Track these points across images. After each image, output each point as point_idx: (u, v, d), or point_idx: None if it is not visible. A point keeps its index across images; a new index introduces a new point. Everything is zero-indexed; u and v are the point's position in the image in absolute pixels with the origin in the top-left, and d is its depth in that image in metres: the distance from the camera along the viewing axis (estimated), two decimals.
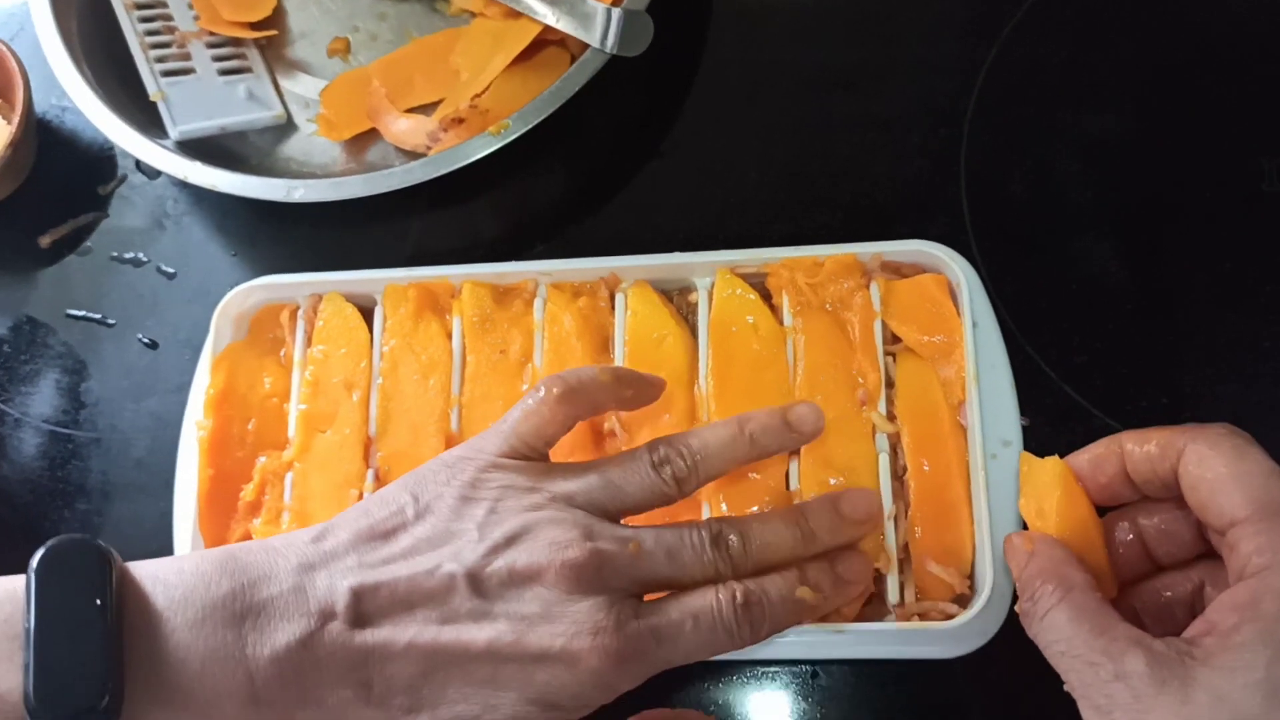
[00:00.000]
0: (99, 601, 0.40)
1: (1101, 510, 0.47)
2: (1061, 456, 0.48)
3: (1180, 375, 0.57)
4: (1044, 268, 0.60)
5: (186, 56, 0.71)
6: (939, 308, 0.55)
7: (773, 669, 0.54)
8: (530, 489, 0.45)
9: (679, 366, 0.56)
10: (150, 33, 0.71)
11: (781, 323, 0.56)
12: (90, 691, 0.39)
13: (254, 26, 0.72)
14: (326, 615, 0.42)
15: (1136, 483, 0.43)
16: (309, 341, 0.59)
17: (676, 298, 0.59)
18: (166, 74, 0.70)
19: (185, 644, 0.41)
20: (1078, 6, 0.65)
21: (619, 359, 0.56)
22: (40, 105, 0.72)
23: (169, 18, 0.72)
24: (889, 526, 0.51)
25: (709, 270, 0.57)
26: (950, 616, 0.50)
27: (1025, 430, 0.53)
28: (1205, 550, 0.44)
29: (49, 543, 0.42)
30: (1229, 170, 0.60)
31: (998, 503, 0.51)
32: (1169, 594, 0.44)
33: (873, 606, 0.51)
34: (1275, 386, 0.56)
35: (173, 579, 0.42)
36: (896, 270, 0.57)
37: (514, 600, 0.43)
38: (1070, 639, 0.39)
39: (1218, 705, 0.34)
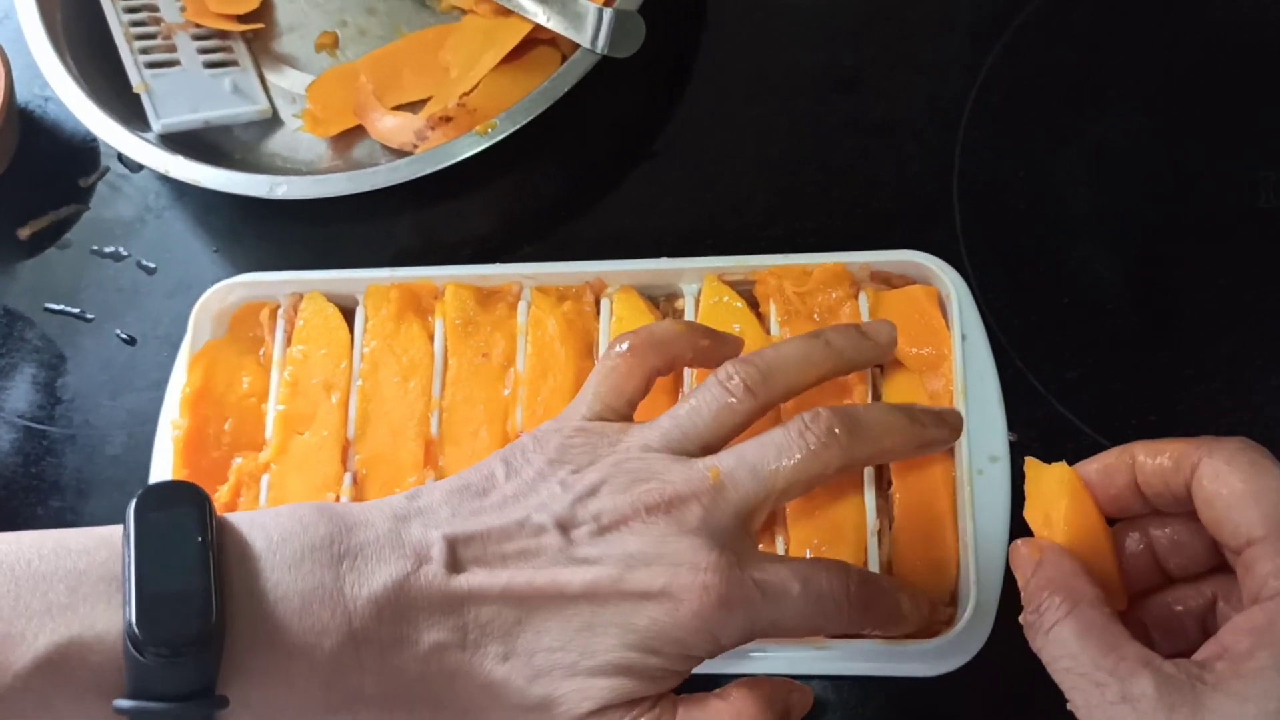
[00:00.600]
0: (200, 538, 0.39)
1: (1109, 522, 0.46)
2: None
3: (1173, 392, 0.56)
4: (1036, 280, 0.59)
5: (171, 48, 0.70)
6: (928, 319, 0.54)
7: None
8: (611, 446, 0.45)
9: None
10: (135, 23, 0.70)
11: (768, 331, 0.55)
12: (192, 623, 0.38)
13: (241, 19, 0.71)
14: (422, 559, 0.42)
15: (1147, 495, 0.42)
16: (289, 341, 0.58)
17: (663, 304, 0.58)
18: (151, 66, 0.69)
19: (285, 582, 0.40)
20: (1075, 16, 0.65)
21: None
22: (22, 95, 0.71)
23: (154, 8, 0.71)
24: (872, 542, 0.50)
25: (696, 276, 0.57)
26: (934, 633, 0.49)
27: (1013, 445, 0.53)
28: (1218, 563, 0.43)
29: (145, 486, 0.41)
30: (1226, 185, 0.60)
31: (983, 519, 0.50)
32: (1180, 607, 0.43)
33: None
34: (1270, 404, 0.56)
35: (270, 522, 0.42)
36: (886, 280, 0.56)
37: (607, 545, 0.42)
38: (1076, 655, 0.37)
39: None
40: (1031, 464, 0.48)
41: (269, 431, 0.57)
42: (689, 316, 0.56)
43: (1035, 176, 0.61)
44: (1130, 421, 0.56)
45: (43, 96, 0.72)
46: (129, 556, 0.38)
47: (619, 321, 0.56)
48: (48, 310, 0.67)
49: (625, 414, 0.48)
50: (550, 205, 0.66)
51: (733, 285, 0.56)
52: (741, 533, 0.43)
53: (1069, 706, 0.38)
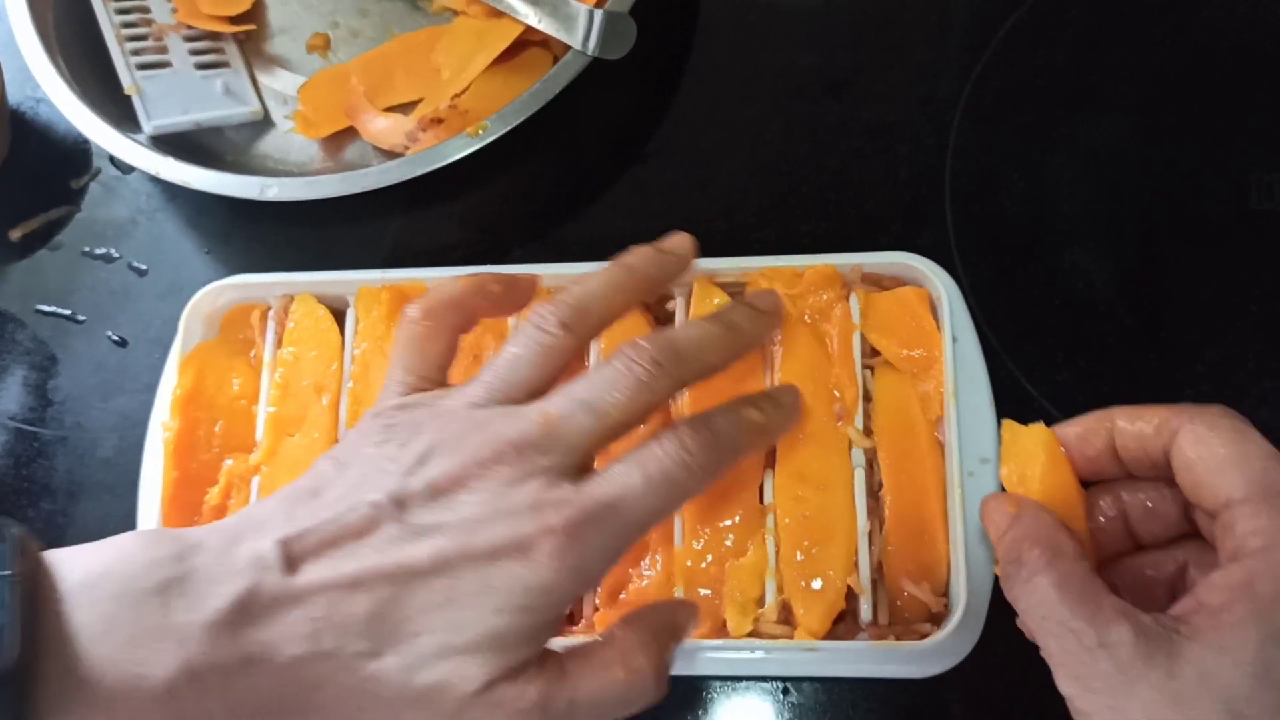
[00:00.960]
0: (5, 572, 0.37)
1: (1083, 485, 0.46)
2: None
3: (1164, 395, 0.56)
4: (1027, 282, 0.59)
5: (163, 50, 0.70)
6: (919, 321, 0.54)
7: (744, 684, 0.54)
8: (434, 414, 0.43)
9: None
10: (126, 25, 0.70)
11: None
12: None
13: (233, 21, 0.71)
14: (258, 569, 0.39)
15: (1124, 460, 0.42)
16: (279, 343, 0.58)
17: (654, 305, 0.58)
18: (142, 67, 0.69)
19: (104, 618, 0.38)
20: (1066, 19, 0.65)
21: (594, 366, 0.55)
22: (14, 96, 0.71)
23: (146, 10, 0.71)
24: (863, 544, 0.50)
25: (688, 279, 0.56)
26: (924, 635, 0.49)
27: None
28: (1189, 530, 0.43)
29: None
30: (1217, 187, 0.60)
31: (974, 521, 0.50)
32: (1150, 572, 0.43)
33: (846, 624, 0.51)
34: (1260, 407, 0.56)
35: (92, 554, 0.40)
36: (877, 282, 0.56)
37: (446, 510, 0.40)
38: (1054, 605, 0.37)
39: (1204, 682, 0.33)
40: (1009, 425, 0.48)
41: (259, 433, 0.57)
42: (679, 318, 0.56)
43: (1027, 179, 0.61)
44: None
45: (34, 98, 0.72)
46: None
47: None
48: (39, 312, 0.67)
49: (438, 379, 0.46)
50: (542, 207, 0.66)
51: (724, 287, 0.56)
52: (579, 466, 0.42)
53: (1043, 654, 0.38)
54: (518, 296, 0.50)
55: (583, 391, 0.42)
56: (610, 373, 0.43)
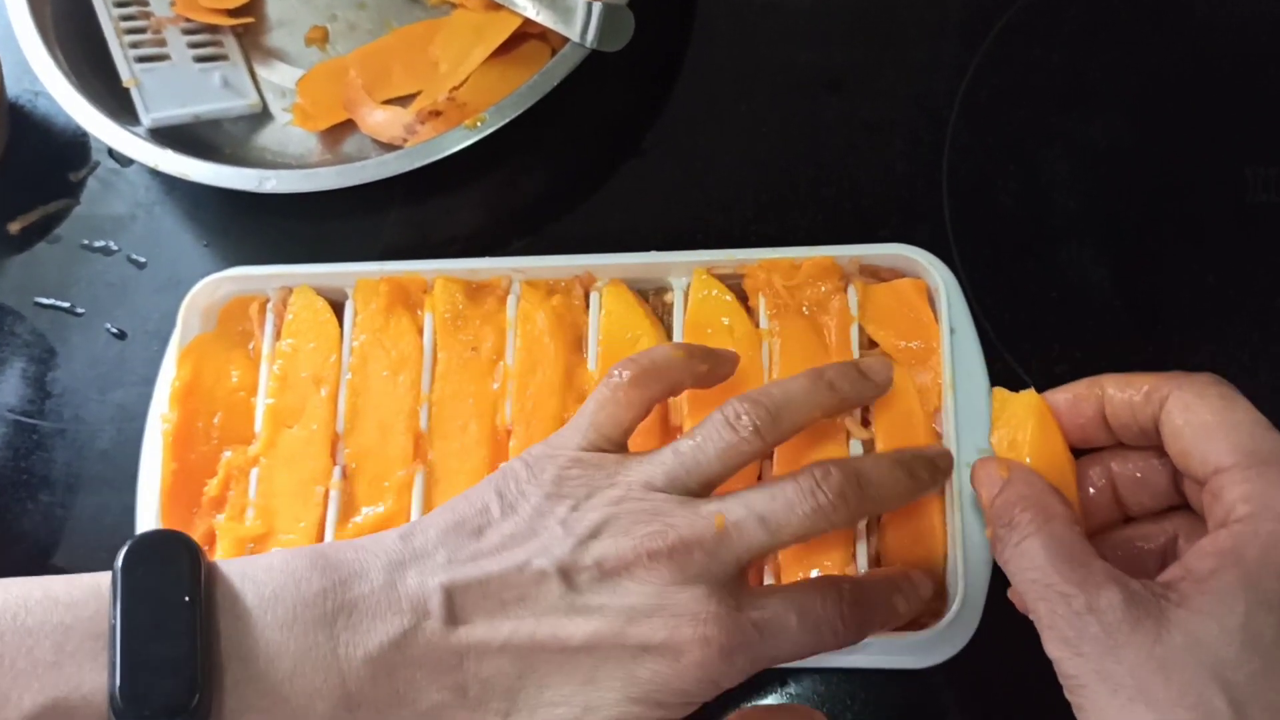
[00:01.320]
0: (187, 598, 0.39)
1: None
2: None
3: None
4: (1025, 275, 0.59)
5: (161, 43, 0.70)
6: (917, 313, 0.54)
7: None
8: (611, 482, 0.44)
9: None
10: (125, 18, 0.70)
11: (757, 325, 0.55)
12: (180, 690, 0.37)
13: (231, 14, 0.71)
14: (420, 613, 0.41)
15: (1113, 427, 0.42)
16: (278, 335, 0.58)
17: (652, 298, 0.58)
18: (140, 60, 0.69)
19: (276, 643, 0.39)
20: (1062, 16, 0.65)
21: (592, 359, 0.56)
22: (13, 89, 0.71)
23: (144, 2, 0.71)
24: (860, 535, 0.50)
25: (685, 270, 0.57)
26: (921, 626, 0.49)
27: None
28: (1178, 502, 0.43)
29: (134, 537, 0.40)
30: (1212, 181, 0.60)
31: (971, 512, 0.50)
32: (1141, 544, 0.43)
33: None
34: (1256, 400, 0.55)
35: (262, 576, 0.41)
36: (875, 274, 0.56)
37: (609, 594, 0.41)
38: (1044, 568, 0.38)
39: (1192, 648, 0.34)
40: (999, 392, 0.48)
41: (258, 425, 0.57)
42: (678, 310, 0.56)
43: (1024, 174, 0.62)
44: None
45: (33, 91, 0.72)
46: (115, 619, 0.38)
47: (608, 315, 0.56)
48: (38, 305, 0.67)
49: (622, 444, 0.47)
50: (539, 200, 0.66)
51: (722, 279, 0.56)
52: (740, 578, 0.43)
53: (1032, 617, 0.38)
54: (721, 372, 0.50)
55: (762, 504, 0.43)
56: (794, 492, 0.43)
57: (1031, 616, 0.38)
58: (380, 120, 0.66)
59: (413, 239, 0.65)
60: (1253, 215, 0.59)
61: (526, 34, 0.65)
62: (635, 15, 0.61)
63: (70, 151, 0.71)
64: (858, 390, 0.49)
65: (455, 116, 0.63)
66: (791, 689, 0.53)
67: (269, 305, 0.59)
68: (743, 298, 0.56)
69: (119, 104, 0.67)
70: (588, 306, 0.57)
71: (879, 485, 0.45)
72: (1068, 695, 0.38)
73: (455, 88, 0.64)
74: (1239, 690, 0.33)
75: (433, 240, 0.65)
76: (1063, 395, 0.43)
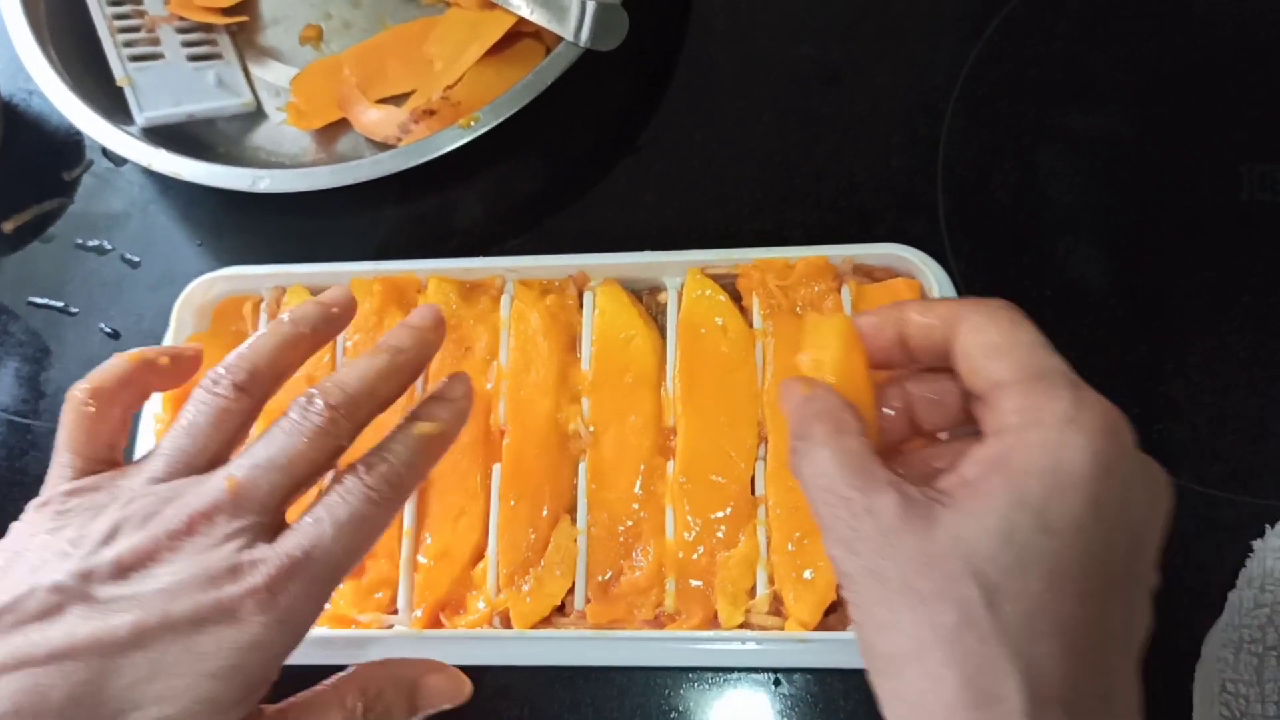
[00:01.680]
0: None
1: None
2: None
3: (1155, 385, 0.56)
4: (1019, 273, 0.59)
5: (155, 41, 0.70)
6: None
7: (735, 675, 0.54)
8: (112, 494, 0.42)
9: (647, 367, 0.55)
10: (119, 16, 0.70)
11: (751, 325, 0.55)
12: None
13: (225, 12, 0.71)
14: None
15: (913, 350, 0.43)
16: None
17: (646, 297, 0.58)
18: (134, 59, 0.69)
19: None
20: (1059, 11, 0.65)
21: (586, 358, 0.56)
22: (6, 89, 0.71)
23: (138, 1, 0.71)
24: None
25: (679, 270, 0.57)
26: None
27: None
28: (969, 423, 0.44)
29: None
30: (1209, 178, 0.60)
31: None
32: (934, 462, 0.44)
33: (836, 616, 0.51)
34: (1251, 396, 0.56)
35: None
36: (869, 274, 0.56)
37: (139, 583, 0.39)
38: (831, 476, 0.38)
39: (954, 544, 0.35)
40: (813, 316, 0.49)
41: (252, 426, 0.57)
42: (672, 310, 0.56)
43: (1020, 169, 0.61)
44: None
45: (26, 90, 0.72)
46: None
47: (602, 315, 0.56)
48: (32, 304, 0.67)
49: (112, 460, 0.45)
50: (533, 199, 0.66)
51: (716, 279, 0.56)
52: (272, 524, 0.41)
53: (817, 522, 0.39)
54: (185, 367, 0.49)
55: (264, 450, 0.42)
56: (289, 427, 0.42)
57: (816, 522, 0.39)
58: (374, 119, 0.66)
59: (407, 238, 0.65)
60: (1249, 212, 0.59)
61: (521, 33, 0.65)
62: (630, 13, 0.61)
63: (64, 150, 0.71)
64: (325, 321, 0.48)
65: (449, 115, 0.63)
66: (785, 689, 0.53)
67: (262, 305, 0.59)
68: (737, 298, 0.56)
69: (113, 103, 0.67)
70: (581, 306, 0.57)
71: (361, 381, 0.44)
72: (843, 593, 0.39)
73: (449, 86, 0.64)
74: (991, 581, 0.34)
75: (427, 239, 0.65)
76: (868, 319, 0.44)
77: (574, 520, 0.53)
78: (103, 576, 0.39)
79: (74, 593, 0.38)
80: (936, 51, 0.65)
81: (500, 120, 0.60)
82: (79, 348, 0.65)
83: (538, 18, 0.62)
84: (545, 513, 0.54)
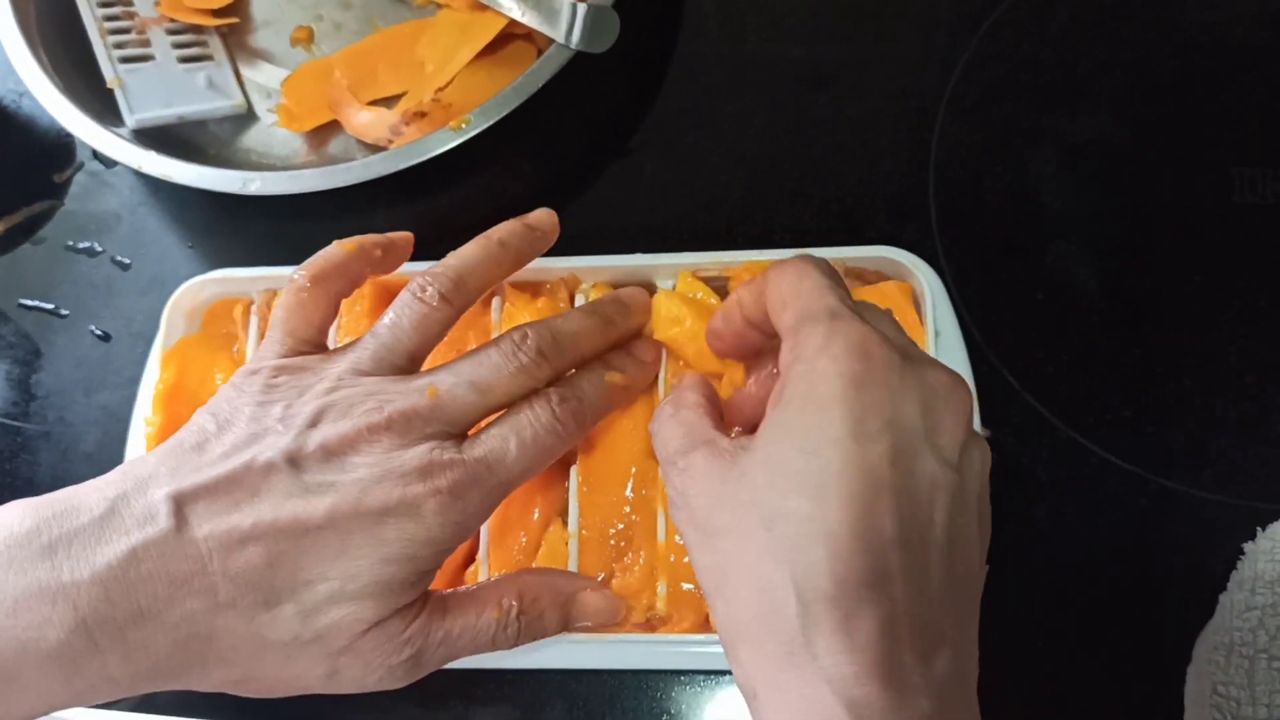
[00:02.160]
0: None
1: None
2: (1023, 469, 0.49)
3: (1147, 388, 0.56)
4: (1012, 276, 0.59)
5: (146, 43, 0.70)
6: (902, 315, 0.54)
7: (726, 679, 0.54)
8: (319, 377, 0.45)
9: None
10: (109, 18, 0.70)
11: None
12: None
13: (216, 14, 0.71)
14: (149, 526, 0.40)
15: (754, 324, 0.45)
16: (262, 337, 0.58)
17: None
18: (124, 60, 0.69)
19: None
20: (1050, 14, 0.65)
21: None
22: None
23: (128, 2, 0.71)
24: None
25: (670, 273, 0.57)
26: None
27: (987, 441, 0.53)
28: None
29: None
30: (1200, 181, 0.60)
31: None
32: None
33: None
34: (1242, 399, 0.56)
35: None
36: (860, 277, 0.56)
37: (338, 471, 0.42)
38: (668, 442, 0.43)
39: (741, 481, 0.38)
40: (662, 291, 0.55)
41: None
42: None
43: (1011, 173, 0.62)
44: (1104, 416, 0.56)
45: (16, 92, 0.72)
46: None
47: None
48: (22, 306, 0.67)
49: (320, 344, 0.48)
50: (524, 201, 0.65)
51: (707, 281, 0.56)
52: (460, 435, 0.45)
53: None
54: (397, 255, 0.51)
55: (469, 370, 0.45)
56: (497, 356, 0.46)
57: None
58: (366, 121, 0.66)
59: None
60: (1239, 215, 0.59)
61: (512, 35, 0.65)
62: (621, 15, 0.61)
63: (54, 152, 0.70)
64: (529, 242, 0.51)
65: (441, 117, 0.63)
66: None
67: (253, 308, 0.59)
68: None
69: (103, 105, 0.67)
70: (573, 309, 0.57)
71: (572, 335, 0.49)
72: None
73: (441, 88, 0.64)
74: (767, 508, 0.37)
75: (418, 242, 0.64)
76: (716, 319, 0.48)
77: (565, 523, 0.53)
78: (308, 459, 0.42)
79: (282, 469, 0.42)
80: (928, 54, 0.65)
81: (491, 122, 0.60)
82: (69, 350, 0.65)
83: (529, 20, 0.62)
84: (536, 516, 0.53)
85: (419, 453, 0.43)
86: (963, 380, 0.40)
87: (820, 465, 0.36)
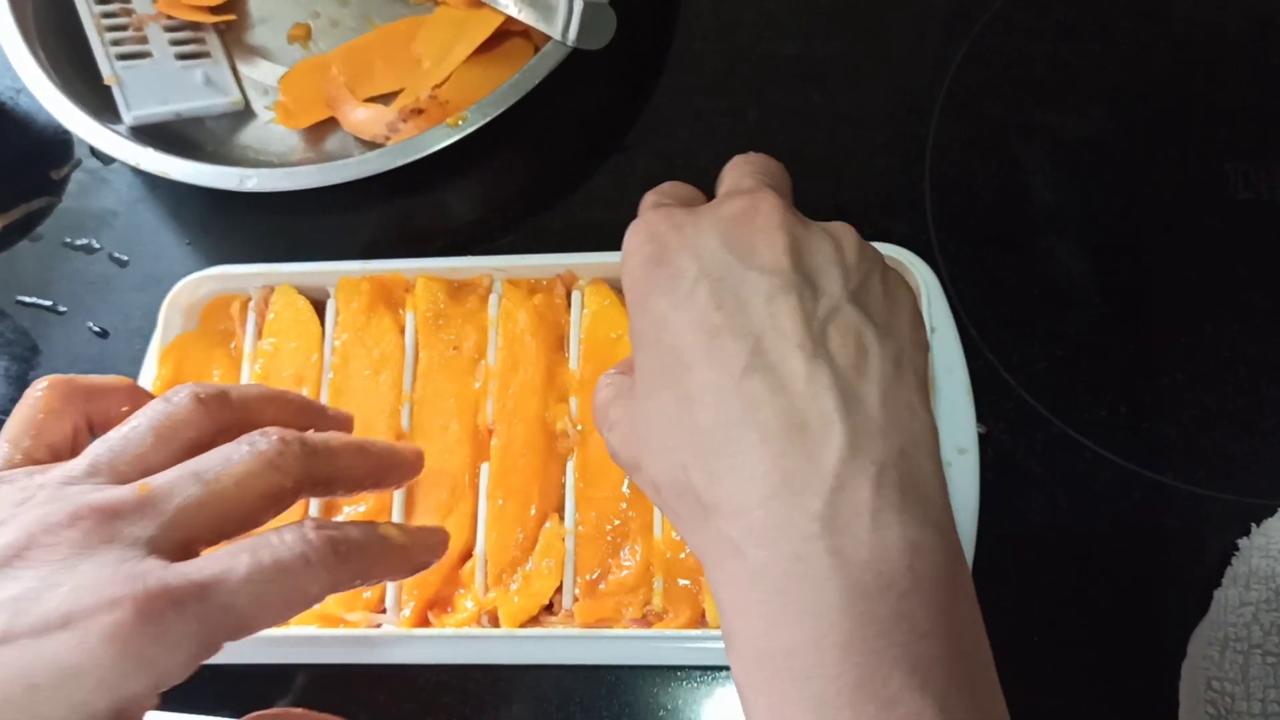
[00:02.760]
0: None
1: None
2: (1018, 464, 0.48)
3: (1142, 384, 0.57)
4: (1007, 272, 0.59)
5: (143, 40, 0.70)
6: None
7: (722, 674, 0.54)
8: (18, 487, 0.36)
9: None
10: (106, 15, 0.70)
11: None
12: None
13: (213, 10, 0.71)
14: None
15: None
16: (259, 334, 0.58)
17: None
18: (122, 57, 0.68)
19: None
20: (1045, 10, 0.65)
21: (574, 357, 0.56)
22: None
23: (126, 0, 0.71)
24: None
25: None
26: None
27: (982, 437, 0.53)
28: None
29: None
30: (1194, 177, 0.60)
31: (955, 509, 0.50)
32: None
33: None
34: (1238, 395, 0.56)
35: None
36: None
37: (4, 585, 0.33)
38: (596, 411, 0.40)
39: (633, 403, 0.37)
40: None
41: None
42: None
43: (1006, 169, 0.62)
44: (1099, 412, 0.56)
45: (13, 88, 0.72)
46: None
47: (590, 314, 0.56)
48: (19, 303, 0.67)
49: (43, 460, 0.39)
50: (521, 198, 0.66)
51: None
52: (178, 545, 0.35)
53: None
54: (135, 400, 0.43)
55: (192, 464, 0.36)
56: (230, 447, 0.37)
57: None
58: (362, 118, 0.66)
59: (395, 237, 0.65)
60: (1233, 210, 0.59)
61: (509, 31, 0.65)
62: (617, 12, 0.61)
63: (51, 149, 0.70)
64: (304, 412, 0.44)
65: (437, 114, 0.63)
66: None
67: (250, 304, 0.59)
68: None
69: (100, 101, 0.67)
70: (569, 305, 0.57)
71: (324, 440, 0.39)
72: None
73: (437, 85, 0.64)
74: (649, 412, 0.36)
75: (415, 238, 0.65)
76: None
77: (562, 519, 0.53)
78: None
79: None
80: (922, 52, 0.65)
81: (488, 119, 0.60)
82: (67, 346, 0.65)
83: (525, 16, 0.62)
84: (533, 511, 0.54)
85: (104, 560, 0.33)
86: (757, 191, 0.38)
87: (662, 347, 0.36)
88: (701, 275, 0.35)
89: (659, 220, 0.38)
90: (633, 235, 0.38)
